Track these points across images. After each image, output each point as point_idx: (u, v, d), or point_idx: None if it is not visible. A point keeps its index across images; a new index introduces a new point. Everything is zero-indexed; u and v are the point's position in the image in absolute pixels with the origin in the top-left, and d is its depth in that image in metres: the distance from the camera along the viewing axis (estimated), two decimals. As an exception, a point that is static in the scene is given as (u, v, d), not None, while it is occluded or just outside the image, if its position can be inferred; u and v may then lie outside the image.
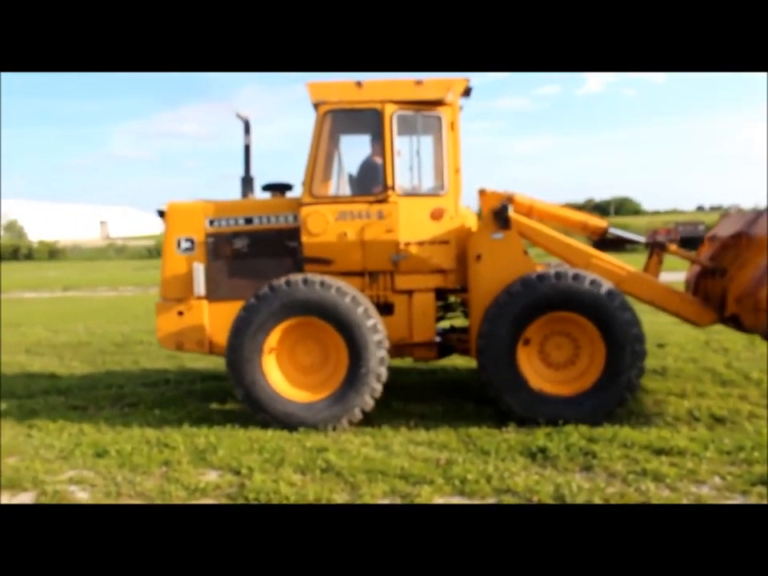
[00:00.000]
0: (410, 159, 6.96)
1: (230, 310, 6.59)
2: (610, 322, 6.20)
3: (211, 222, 7.15)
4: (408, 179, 6.98)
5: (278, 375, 6.54)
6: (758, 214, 6.62)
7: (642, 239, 7.53)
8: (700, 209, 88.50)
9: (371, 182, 6.98)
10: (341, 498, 4.86)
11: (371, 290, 6.92)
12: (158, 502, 4.89)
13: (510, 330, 6.27)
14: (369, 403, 6.42)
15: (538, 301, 6.25)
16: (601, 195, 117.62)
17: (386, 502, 4.79)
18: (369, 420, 6.48)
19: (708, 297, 7.01)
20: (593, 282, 6.23)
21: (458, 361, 8.89)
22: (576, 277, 6.26)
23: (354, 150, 7.54)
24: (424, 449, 5.72)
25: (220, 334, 6.76)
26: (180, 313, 7.04)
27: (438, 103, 6.76)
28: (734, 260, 6.60)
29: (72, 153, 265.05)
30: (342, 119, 7.05)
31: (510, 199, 6.96)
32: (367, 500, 4.77)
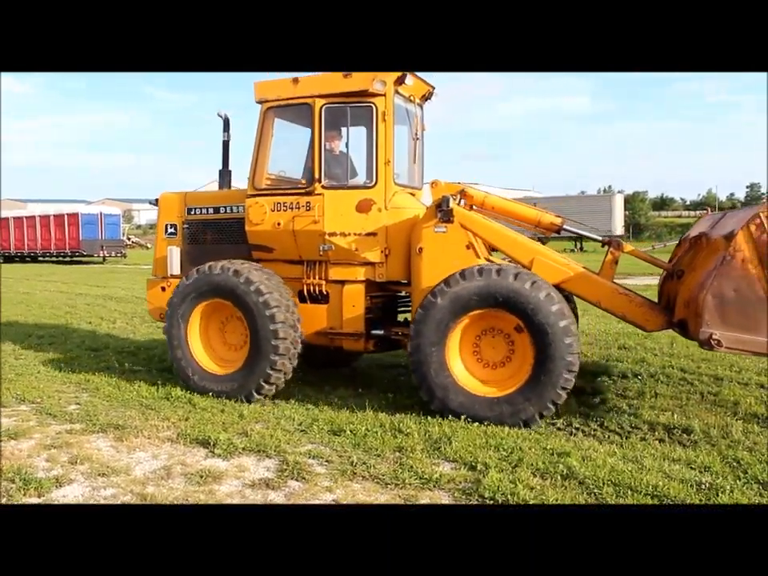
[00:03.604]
0: (358, 151, 7.13)
1: None
2: (535, 318, 5.84)
3: (189, 211, 8.12)
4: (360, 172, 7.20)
5: (200, 349, 7.26)
6: (722, 215, 6.24)
7: (598, 237, 7.10)
8: None
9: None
10: (584, 510, 4.40)
11: (309, 278, 7.28)
12: (391, 487, 4.80)
13: (437, 332, 6.11)
14: (273, 375, 6.75)
15: (461, 299, 6.04)
16: None
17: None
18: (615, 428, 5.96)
19: (670, 301, 6.50)
20: (517, 277, 5.93)
21: (724, 371, 7.93)
22: (499, 272, 5.98)
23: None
24: (681, 467, 5.02)
25: None
26: (163, 288, 8.08)
27: (365, 93, 6.71)
28: (691, 262, 6.31)
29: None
30: (284, 114, 7.40)
31: (462, 192, 6.83)
32: (614, 517, 4.27)
